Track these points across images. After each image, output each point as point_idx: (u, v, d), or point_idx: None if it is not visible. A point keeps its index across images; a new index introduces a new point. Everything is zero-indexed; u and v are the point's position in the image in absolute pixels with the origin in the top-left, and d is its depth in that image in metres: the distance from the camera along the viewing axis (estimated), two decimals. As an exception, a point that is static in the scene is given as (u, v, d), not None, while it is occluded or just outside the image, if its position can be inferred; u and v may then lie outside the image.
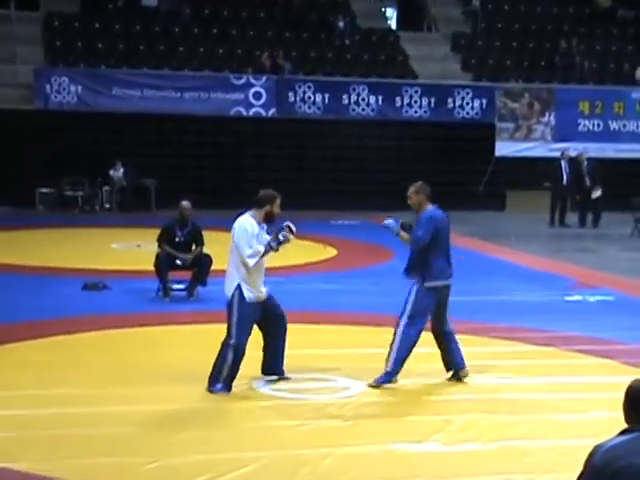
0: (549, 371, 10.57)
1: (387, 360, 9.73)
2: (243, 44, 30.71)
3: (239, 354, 9.32)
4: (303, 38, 31.68)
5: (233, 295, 9.34)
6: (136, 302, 14.24)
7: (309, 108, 29.20)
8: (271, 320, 9.55)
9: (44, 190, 27.21)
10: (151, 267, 14.57)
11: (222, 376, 9.31)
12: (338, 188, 28.31)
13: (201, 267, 14.44)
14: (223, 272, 15.50)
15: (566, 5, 34.58)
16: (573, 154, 26.97)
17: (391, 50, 31.93)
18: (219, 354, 9.37)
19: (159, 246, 14.64)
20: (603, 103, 30.50)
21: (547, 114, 30.26)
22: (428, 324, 9.92)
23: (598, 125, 30.50)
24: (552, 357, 11.26)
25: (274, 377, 9.76)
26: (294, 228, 9.55)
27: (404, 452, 7.86)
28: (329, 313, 13.29)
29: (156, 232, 14.94)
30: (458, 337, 10.19)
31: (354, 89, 29.38)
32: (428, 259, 9.70)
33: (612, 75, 32.20)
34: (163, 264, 14.42)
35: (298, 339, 10.24)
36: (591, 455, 4.10)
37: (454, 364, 10.06)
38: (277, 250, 9.53)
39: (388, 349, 9.74)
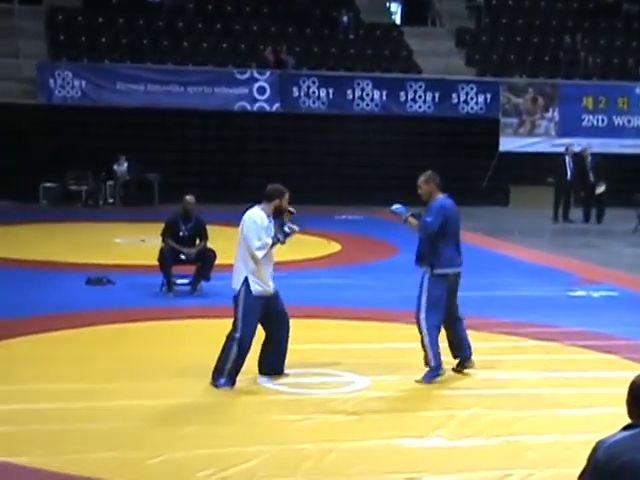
0: (552, 366, 10.56)
1: (426, 358, 9.73)
2: (247, 39, 30.69)
3: (244, 348, 9.32)
4: (307, 33, 31.66)
5: (240, 288, 9.32)
6: (140, 297, 14.24)
7: (313, 103, 29.18)
8: (274, 318, 9.53)
9: (48, 185, 27.23)
10: (155, 262, 14.58)
11: (226, 370, 9.31)
12: (342, 183, 28.30)
13: (205, 262, 14.45)
14: (227, 267, 15.53)
15: (570, 0, 34.53)
16: (577, 149, 26.93)
17: (395, 45, 31.89)
18: (223, 348, 9.36)
19: (163, 241, 14.65)
20: (607, 98, 30.45)
21: (551, 109, 30.23)
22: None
23: (602, 120, 30.46)
24: (555, 352, 11.26)
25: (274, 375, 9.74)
26: (293, 210, 9.59)
27: (407, 447, 7.87)
28: (333, 308, 13.28)
29: (160, 227, 14.94)
30: (466, 333, 10.19)
31: (358, 84, 29.35)
32: (438, 247, 9.71)
33: (616, 70, 32.14)
34: (167, 259, 14.42)
35: (302, 334, 10.24)
36: (594, 450, 4.10)
37: (461, 353, 10.07)
38: (284, 242, 9.55)
39: (421, 347, 9.73)
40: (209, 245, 14.67)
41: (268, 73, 28.88)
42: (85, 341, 11.42)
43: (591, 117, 30.42)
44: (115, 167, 27.42)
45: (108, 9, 30.39)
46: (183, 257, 14.54)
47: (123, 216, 24.74)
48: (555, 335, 11.97)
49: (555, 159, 26.91)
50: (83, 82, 27.81)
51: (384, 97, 29.49)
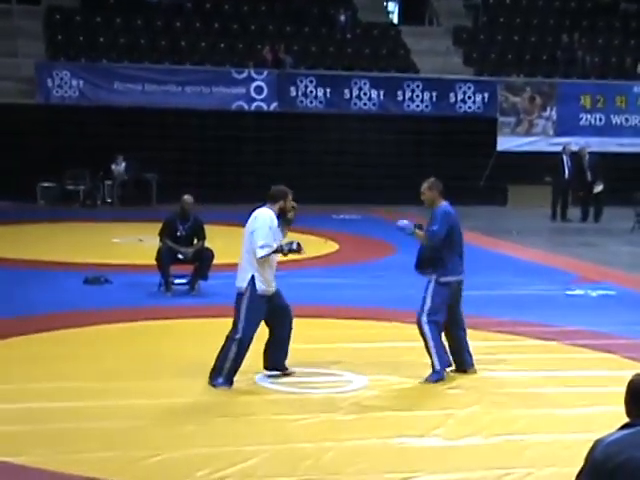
0: (550, 365, 10.56)
1: (431, 359, 9.74)
2: (244, 38, 30.69)
3: (243, 348, 9.32)
4: (304, 32, 31.66)
5: (246, 287, 9.30)
6: (137, 296, 14.24)
7: (311, 102, 29.18)
8: (278, 314, 9.53)
9: (45, 184, 27.22)
10: (152, 261, 14.58)
11: (225, 370, 9.31)
12: (340, 182, 28.29)
13: (202, 261, 14.45)
14: (225, 266, 15.59)
15: (568, -1, 34.59)
16: (575, 148, 26.95)
17: (393, 44, 31.89)
18: (223, 347, 9.36)
19: (160, 240, 14.65)
20: (605, 97, 30.47)
21: (549, 108, 30.25)
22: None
23: (600, 119, 30.48)
24: (554, 351, 11.26)
25: (276, 372, 9.75)
26: (294, 205, 9.63)
27: (406, 446, 7.86)
28: (331, 307, 13.28)
29: (157, 226, 14.94)
30: (467, 342, 10.20)
31: (356, 83, 29.36)
32: (442, 255, 9.73)
33: (614, 69, 32.16)
34: (164, 258, 14.42)
35: (300, 333, 10.23)
36: (592, 449, 4.10)
37: (462, 362, 10.08)
38: (286, 255, 9.57)
39: (426, 350, 9.74)
40: (207, 245, 14.66)
41: (266, 72, 28.88)
42: (83, 341, 11.42)
43: (589, 116, 30.44)
44: (113, 167, 27.42)
45: (106, 9, 30.39)
46: (181, 257, 14.53)
47: (121, 216, 24.73)
48: (553, 334, 11.98)
49: (553, 158, 26.92)
50: (81, 82, 27.80)
51: (382, 96, 29.49)
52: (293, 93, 29.07)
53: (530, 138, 30.13)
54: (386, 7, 35.24)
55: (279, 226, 9.53)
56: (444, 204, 9.91)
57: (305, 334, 10.87)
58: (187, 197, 14.73)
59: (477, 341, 10.97)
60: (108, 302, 13.61)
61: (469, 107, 29.95)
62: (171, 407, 8.81)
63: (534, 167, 27.82)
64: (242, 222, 23.66)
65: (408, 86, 29.65)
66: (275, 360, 9.71)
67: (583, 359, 10.96)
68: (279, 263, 9.75)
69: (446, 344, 9.95)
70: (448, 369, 9.88)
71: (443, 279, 9.74)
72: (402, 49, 31.77)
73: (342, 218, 24.76)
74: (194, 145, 28.28)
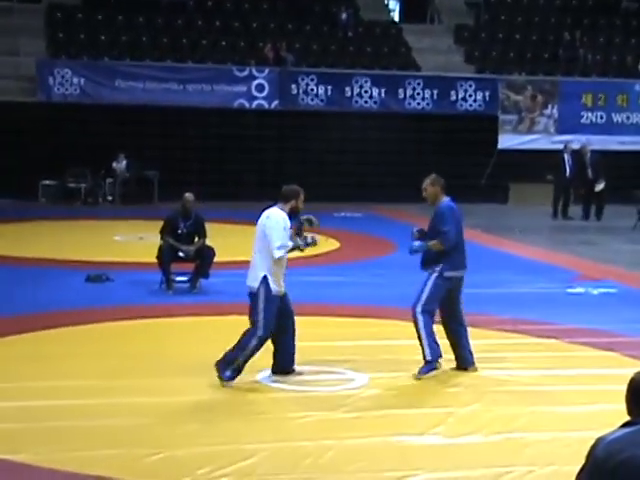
0: (551, 363, 10.57)
1: (423, 351, 9.75)
2: (246, 36, 30.69)
3: (261, 345, 9.33)
4: (306, 30, 31.65)
5: (259, 286, 9.29)
6: (139, 294, 14.25)
7: (312, 100, 29.17)
8: (282, 318, 9.52)
9: (47, 182, 27.23)
10: (154, 259, 14.58)
11: (236, 363, 9.28)
12: (341, 180, 28.29)
13: (204, 259, 14.45)
14: (226, 264, 15.61)
15: (569, -3, 34.58)
16: (576, 147, 26.94)
17: (394, 42, 31.88)
18: (240, 341, 9.32)
19: (162, 238, 14.65)
20: (606, 95, 30.44)
21: (550, 106, 30.23)
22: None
23: (601, 117, 30.46)
24: (554, 349, 11.26)
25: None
26: (315, 220, 9.62)
27: (406, 444, 7.87)
28: (331, 305, 13.29)
29: (159, 224, 14.94)
30: (468, 340, 10.21)
31: (357, 81, 29.34)
32: (449, 250, 9.71)
33: (615, 67, 32.13)
34: (166, 256, 14.42)
35: (300, 331, 10.22)
36: (593, 447, 4.09)
37: (462, 359, 10.08)
38: (303, 250, 9.60)
39: (418, 341, 9.75)
40: (208, 243, 14.67)
41: (267, 70, 28.88)
42: (84, 338, 11.42)
43: (590, 114, 30.42)
44: (114, 165, 27.42)
45: (107, 6, 30.38)
46: (182, 254, 14.53)
47: (122, 214, 24.75)
48: (554, 332, 11.97)
49: (554, 156, 26.91)
50: (82, 80, 27.80)
51: (383, 94, 29.48)
52: (294, 91, 29.06)
53: (531, 136, 30.11)
54: (387, 5, 35.21)
55: (292, 226, 9.50)
56: (446, 200, 9.90)
57: (306, 332, 10.86)
58: (188, 195, 14.73)
59: (478, 339, 10.97)
60: (109, 300, 13.62)
61: (470, 105, 29.94)
62: (172, 405, 8.81)
63: (535, 165, 27.82)
64: (243, 220, 23.73)
65: (409, 84, 29.64)
66: (283, 364, 9.70)
67: (584, 357, 10.96)
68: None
69: (444, 341, 9.96)
70: (440, 360, 9.85)
71: (447, 273, 9.74)
72: (403, 47, 31.76)
73: (343, 216, 24.75)
74: (195, 143, 28.29)
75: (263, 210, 9.66)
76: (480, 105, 30.00)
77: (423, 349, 9.75)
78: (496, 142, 29.67)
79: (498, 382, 9.80)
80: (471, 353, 10.11)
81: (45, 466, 7.18)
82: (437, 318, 10.06)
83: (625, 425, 4.12)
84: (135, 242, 19.47)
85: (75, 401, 8.79)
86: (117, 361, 10.31)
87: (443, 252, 9.75)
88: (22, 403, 8.73)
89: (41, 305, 13.05)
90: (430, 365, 9.75)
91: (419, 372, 9.75)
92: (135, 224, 22.01)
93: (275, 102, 28.99)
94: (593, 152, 26.55)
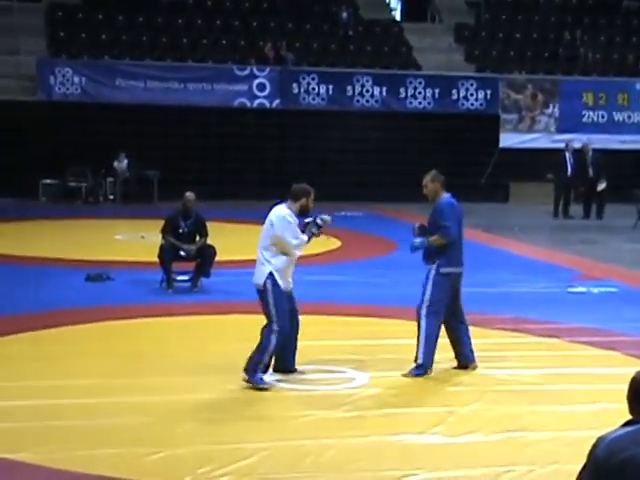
0: (552, 362, 10.56)
1: (417, 352, 9.76)
2: (246, 35, 30.70)
3: (281, 339, 9.32)
4: (306, 29, 31.65)
5: (265, 282, 9.27)
6: (139, 293, 14.24)
7: (313, 99, 29.18)
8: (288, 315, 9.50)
9: (48, 181, 27.24)
10: (155, 258, 14.58)
11: (262, 364, 9.26)
12: (342, 179, 28.29)
13: (205, 258, 14.45)
14: (227, 263, 15.61)
15: (570, -4, 34.57)
16: (577, 145, 26.94)
17: (395, 41, 31.89)
18: (262, 341, 9.28)
19: (163, 237, 14.64)
20: (607, 94, 30.45)
21: (551, 105, 30.24)
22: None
23: (602, 116, 30.47)
24: (555, 349, 11.25)
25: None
26: (328, 219, 9.61)
27: (406, 443, 7.86)
28: (332, 304, 13.28)
29: (160, 223, 14.94)
30: (469, 337, 10.21)
31: (358, 80, 29.35)
32: (445, 246, 9.72)
33: (616, 66, 32.14)
34: (167, 255, 14.42)
35: (301, 330, 10.22)
36: (594, 446, 4.09)
37: (463, 357, 10.09)
38: (318, 235, 9.59)
39: (416, 341, 9.77)
40: (209, 242, 14.67)
41: (268, 69, 28.88)
42: (85, 338, 11.42)
43: (591, 113, 30.42)
44: (115, 164, 27.43)
45: (107, 6, 30.39)
46: (183, 253, 14.53)
47: (123, 213, 24.76)
48: (555, 331, 11.97)
49: (555, 155, 26.91)
50: (83, 79, 27.82)
51: (384, 93, 29.49)
52: (295, 90, 29.07)
53: (532, 135, 30.12)
54: (388, 4, 35.22)
55: (306, 225, 9.48)
56: (447, 196, 9.91)
57: (306, 331, 10.85)
58: (189, 194, 14.73)
59: (479, 338, 10.96)
60: (110, 299, 13.61)
61: (471, 104, 29.94)
62: (173, 404, 8.81)
63: (536, 164, 27.82)
64: (244, 219, 23.75)
65: (410, 83, 29.65)
66: (285, 362, 9.69)
67: (585, 356, 10.95)
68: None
69: (444, 340, 9.96)
70: (429, 371, 9.82)
71: (444, 270, 9.75)
72: (404, 46, 31.76)
73: (344, 215, 24.75)
74: (196, 142, 28.30)
75: (271, 208, 9.60)
76: (481, 104, 30.01)
77: (417, 350, 9.77)
78: (497, 141, 29.68)
79: (499, 381, 9.80)
80: (472, 351, 10.12)
81: (46, 465, 7.18)
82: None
83: (626, 424, 4.11)
84: (136, 241, 19.47)
85: (75, 400, 8.79)
86: (117, 360, 10.31)
87: (443, 247, 9.74)
88: (22, 402, 8.72)
89: (42, 304, 13.05)
90: (421, 369, 9.75)
91: (409, 372, 9.76)
92: (136, 223, 22.01)
93: (276, 101, 29.00)
94: (594, 151, 26.56)
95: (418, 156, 28.56)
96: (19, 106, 27.09)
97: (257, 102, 28.87)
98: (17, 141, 26.64)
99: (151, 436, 7.87)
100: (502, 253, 19.30)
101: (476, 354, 10.20)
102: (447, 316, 9.98)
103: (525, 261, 18.24)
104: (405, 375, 9.76)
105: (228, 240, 17.63)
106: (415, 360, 9.78)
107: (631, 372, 4.25)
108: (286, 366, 9.72)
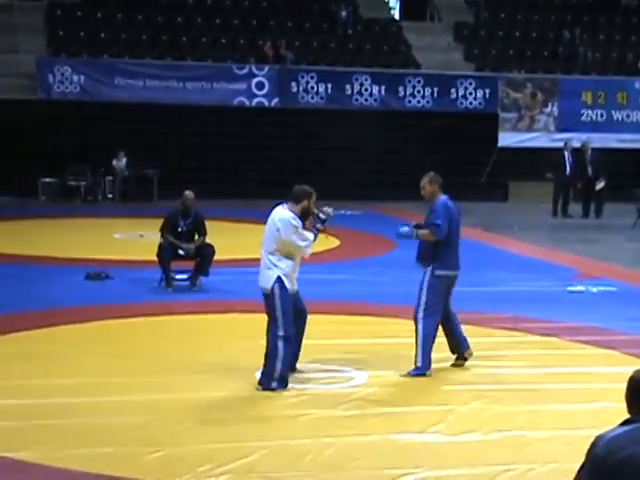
0: (551, 361, 10.57)
1: (416, 355, 9.78)
2: (245, 34, 30.68)
3: (290, 344, 9.28)
4: (305, 28, 31.64)
5: (273, 287, 9.22)
6: (138, 292, 14.25)
7: (312, 98, 29.17)
8: (295, 315, 9.47)
9: (47, 180, 27.22)
10: (154, 257, 14.58)
11: (277, 372, 9.18)
12: (341, 178, 28.27)
13: (204, 257, 14.45)
14: (226, 262, 15.61)
15: (569, -5, 34.56)
16: (576, 144, 26.94)
17: (394, 40, 31.87)
18: (270, 349, 9.23)
19: (162, 236, 14.65)
20: (606, 93, 30.43)
21: (550, 104, 30.22)
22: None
23: (601, 115, 30.45)
24: (554, 347, 11.26)
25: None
26: (331, 212, 9.59)
27: (405, 442, 7.87)
28: (331, 303, 13.27)
29: (159, 222, 14.94)
30: (461, 327, 10.23)
31: (357, 79, 29.34)
32: (439, 248, 9.76)
33: (615, 65, 32.13)
34: (166, 254, 14.42)
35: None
36: (593, 445, 4.09)
37: (458, 346, 10.13)
38: (324, 230, 9.60)
39: (414, 343, 9.79)
40: (208, 240, 14.67)
41: (267, 68, 28.88)
42: (84, 336, 11.42)
43: (590, 112, 30.40)
44: (114, 163, 27.42)
45: (107, 4, 30.36)
46: (182, 252, 14.53)
47: (122, 211, 24.76)
48: (554, 330, 11.98)
49: (554, 154, 26.91)
50: (82, 77, 27.80)
51: (383, 92, 29.48)
52: (294, 89, 29.06)
53: (531, 134, 30.10)
54: (387, 3, 35.20)
55: (309, 224, 9.48)
56: (444, 198, 9.94)
57: (306, 330, 10.87)
58: (188, 193, 14.73)
59: (478, 337, 10.98)
60: (109, 298, 13.61)
61: (470, 103, 29.93)
62: (173, 403, 8.81)
63: (535, 163, 27.82)
64: (243, 218, 23.67)
65: (409, 82, 29.64)
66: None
67: (584, 355, 10.96)
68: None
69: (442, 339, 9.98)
70: (428, 373, 9.83)
71: (438, 272, 9.78)
72: (403, 45, 31.75)
73: (343, 214, 24.73)
74: (195, 141, 28.29)
75: (272, 208, 9.55)
76: (480, 103, 29.99)
77: (416, 353, 9.80)
78: (496, 140, 29.65)
79: (498, 380, 9.80)
80: (465, 339, 10.18)
81: (45, 464, 7.18)
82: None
83: (625, 423, 4.12)
84: (135, 240, 19.47)
85: (75, 399, 8.79)
86: (117, 359, 10.31)
87: (437, 250, 9.76)
88: (22, 401, 8.72)
89: (41, 303, 13.05)
90: (420, 370, 9.77)
91: (408, 373, 9.78)
92: (135, 222, 22.01)
93: (275, 100, 29.00)
94: (593, 150, 26.55)
95: (417, 155, 28.57)
96: (18, 105, 27.07)
97: (256, 101, 28.86)
98: (16, 140, 26.62)
99: (151, 435, 7.88)
100: (501, 252, 19.31)
101: (476, 353, 10.23)
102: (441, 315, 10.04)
103: (524, 260, 18.24)
104: (404, 376, 9.77)
105: (227, 239, 17.63)
106: (415, 362, 9.80)
107: (630, 371, 4.26)
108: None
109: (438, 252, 9.78)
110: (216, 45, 30.15)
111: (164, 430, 8.02)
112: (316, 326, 11.67)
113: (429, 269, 9.79)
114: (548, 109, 30.22)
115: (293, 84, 29.03)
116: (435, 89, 29.71)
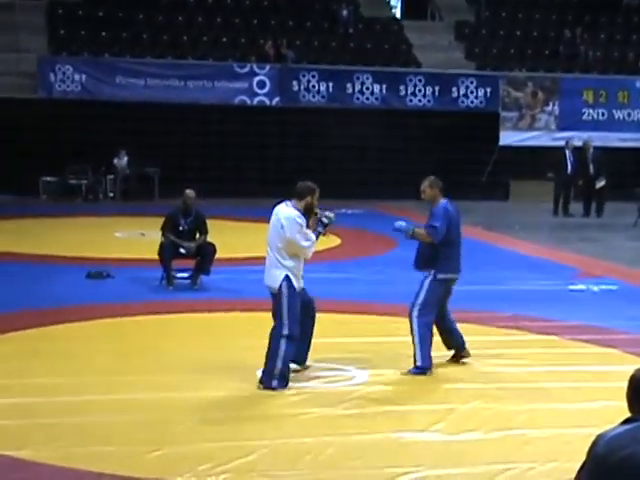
0: (552, 360, 10.57)
1: (415, 354, 9.79)
2: (247, 33, 30.67)
3: (293, 344, 9.27)
4: (306, 27, 31.63)
5: (281, 286, 9.20)
6: (140, 290, 14.25)
7: (313, 97, 29.16)
8: (303, 309, 9.47)
9: (48, 179, 27.22)
10: (155, 255, 14.59)
11: (277, 370, 9.17)
12: (342, 177, 28.27)
13: (205, 256, 14.45)
14: (227, 261, 15.61)
15: (571, -7, 34.54)
16: (577, 143, 26.93)
17: (395, 39, 31.86)
18: (271, 347, 9.22)
19: (163, 235, 14.65)
20: (607, 92, 30.42)
21: (551, 103, 30.20)
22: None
23: (602, 114, 30.44)
24: (555, 346, 11.26)
25: (296, 367, 9.69)
26: (333, 217, 9.61)
27: (406, 441, 7.86)
28: (332, 302, 13.26)
29: (160, 221, 14.94)
30: (462, 325, 10.30)
31: (358, 78, 29.33)
32: (440, 252, 9.79)
33: (616, 64, 32.12)
34: (167, 252, 14.43)
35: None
36: (594, 444, 4.09)
37: (454, 342, 10.22)
38: (326, 234, 9.62)
39: (412, 342, 9.79)
40: (209, 239, 14.67)
41: (268, 67, 28.87)
42: (84, 335, 11.42)
43: (591, 111, 30.39)
44: (115, 161, 27.42)
45: (108, 3, 30.35)
46: (183, 251, 14.53)
47: (123, 210, 24.76)
48: (555, 329, 11.98)
49: (555, 153, 26.91)
50: (83, 76, 27.80)
51: (384, 91, 29.47)
52: (295, 88, 29.06)
53: (532, 133, 30.09)
54: (388, 2, 35.19)
55: (312, 224, 9.49)
56: (444, 202, 9.98)
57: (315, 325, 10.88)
58: (189, 192, 14.74)
59: (478, 336, 10.99)
60: (110, 297, 13.62)
61: (471, 102, 29.92)
62: (172, 402, 8.81)
63: (536, 162, 27.82)
64: (244, 217, 23.62)
65: (410, 81, 29.62)
66: (297, 354, 9.63)
67: (585, 354, 10.96)
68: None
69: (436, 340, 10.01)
70: (429, 372, 9.83)
71: (441, 276, 9.82)
72: (404, 44, 31.74)
73: (344, 213, 24.73)
74: (196, 140, 28.29)
75: (274, 206, 9.56)
76: (481, 102, 29.98)
77: (415, 353, 9.81)
78: (497, 139, 29.64)
79: (499, 379, 9.80)
80: (461, 336, 10.24)
81: (47, 462, 7.18)
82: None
83: (626, 422, 4.12)
84: (136, 239, 19.47)
85: (75, 398, 8.79)
86: (117, 358, 10.31)
87: (438, 253, 9.78)
88: (23, 400, 8.73)
89: (42, 301, 13.05)
90: (421, 370, 9.77)
91: (409, 371, 9.79)
92: (136, 221, 22.01)
93: (276, 99, 28.99)
94: (595, 148, 26.54)
95: (418, 154, 28.59)
96: (19, 104, 27.08)
97: (257, 100, 28.85)
98: (17, 138, 26.62)
99: (151, 433, 7.88)
100: (502, 251, 19.30)
101: (476, 351, 10.25)
102: (437, 317, 10.06)
103: (525, 259, 18.23)
104: (404, 374, 9.78)
105: (228, 238, 17.63)
106: (414, 362, 9.81)
107: (630, 370, 4.25)
108: (298, 362, 9.68)
109: (439, 256, 9.80)
110: (217, 44, 30.14)
111: (164, 429, 8.02)
112: (316, 324, 11.69)
113: (432, 272, 9.82)
114: (549, 108, 30.20)
115: (294, 83, 29.02)
116: (436, 88, 29.70)
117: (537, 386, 9.59)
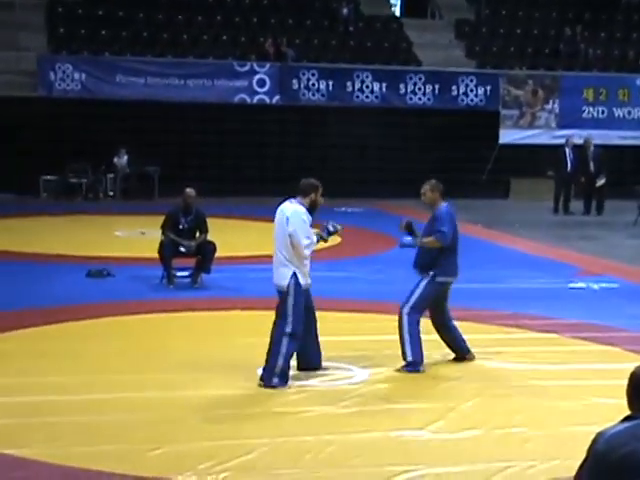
0: (552, 358, 10.57)
1: (404, 351, 9.79)
2: (247, 31, 30.67)
3: (295, 342, 9.26)
4: (306, 25, 31.62)
5: (289, 283, 9.20)
6: (140, 289, 14.25)
7: (313, 95, 29.15)
8: (306, 314, 9.47)
9: (48, 177, 27.22)
10: (155, 254, 14.59)
11: (278, 368, 9.18)
12: (342, 175, 28.25)
13: (205, 254, 14.46)
14: (227, 259, 15.61)
15: (570, -8, 34.53)
16: (578, 141, 26.93)
17: (395, 37, 31.86)
18: (273, 344, 9.23)
19: (163, 233, 14.66)
20: (607, 90, 30.41)
21: (551, 101, 30.20)
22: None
23: (602, 112, 30.43)
24: (555, 344, 11.26)
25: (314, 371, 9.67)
26: (340, 227, 9.65)
27: (406, 439, 7.87)
28: (332, 300, 13.26)
29: (160, 219, 14.95)
30: (462, 324, 10.31)
31: (358, 76, 29.32)
32: (443, 256, 9.80)
33: (616, 62, 32.11)
34: (167, 251, 14.43)
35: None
36: (594, 442, 4.09)
37: (460, 352, 10.17)
38: (327, 241, 9.64)
39: (399, 339, 9.79)
40: (209, 238, 14.67)
41: (268, 65, 28.86)
42: (86, 334, 11.42)
43: (591, 109, 30.39)
44: (115, 160, 27.42)
45: (108, 2, 30.33)
46: (183, 249, 14.54)
47: (123, 209, 24.76)
48: (555, 327, 11.98)
49: (555, 151, 26.91)
50: (83, 75, 27.79)
51: (384, 89, 29.46)
52: (295, 86, 29.05)
53: (532, 131, 30.09)
54: (388, 0, 35.19)
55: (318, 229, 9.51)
56: (445, 205, 10.01)
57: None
58: (189, 190, 14.74)
59: (478, 334, 10.99)
60: (110, 295, 13.62)
61: (471, 100, 29.91)
62: (172, 400, 8.82)
63: (536, 160, 27.81)
64: (244, 215, 23.64)
65: (410, 79, 29.61)
66: (312, 360, 9.66)
67: (585, 352, 10.96)
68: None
69: (434, 339, 10.01)
70: (422, 367, 9.83)
71: (440, 279, 9.86)
72: (404, 42, 31.73)
73: (344, 211, 24.74)
74: (196, 138, 28.28)
75: (278, 205, 9.54)
76: (481, 100, 29.97)
77: (404, 350, 9.79)
78: (497, 137, 29.64)
79: (499, 377, 9.81)
80: (464, 341, 10.24)
81: (47, 461, 7.18)
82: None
83: (626, 419, 4.11)
84: (136, 237, 19.48)
85: (75, 397, 8.79)
86: (117, 357, 10.31)
87: (438, 256, 9.80)
88: (24, 398, 8.73)
89: (42, 300, 13.05)
90: (412, 367, 9.76)
91: (401, 368, 9.79)
92: (136, 219, 22.01)
93: (276, 97, 28.98)
94: (595, 146, 26.54)
95: (418, 152, 28.59)
96: (19, 102, 27.06)
97: (257, 98, 28.84)
98: (17, 137, 26.63)
99: (152, 432, 7.88)
100: (502, 249, 19.30)
101: (476, 349, 10.26)
102: (438, 321, 10.07)
103: (525, 257, 18.24)
104: (398, 371, 9.78)
105: (228, 236, 17.64)
106: (404, 359, 9.80)
107: (631, 367, 4.25)
108: (312, 363, 9.67)
109: (439, 259, 9.83)
110: (217, 42, 30.14)
111: (165, 427, 8.03)
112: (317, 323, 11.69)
113: (431, 274, 9.83)
114: (549, 106, 30.20)
115: (294, 81, 29.02)
116: (436, 86, 29.69)
117: (537, 384, 9.59)
